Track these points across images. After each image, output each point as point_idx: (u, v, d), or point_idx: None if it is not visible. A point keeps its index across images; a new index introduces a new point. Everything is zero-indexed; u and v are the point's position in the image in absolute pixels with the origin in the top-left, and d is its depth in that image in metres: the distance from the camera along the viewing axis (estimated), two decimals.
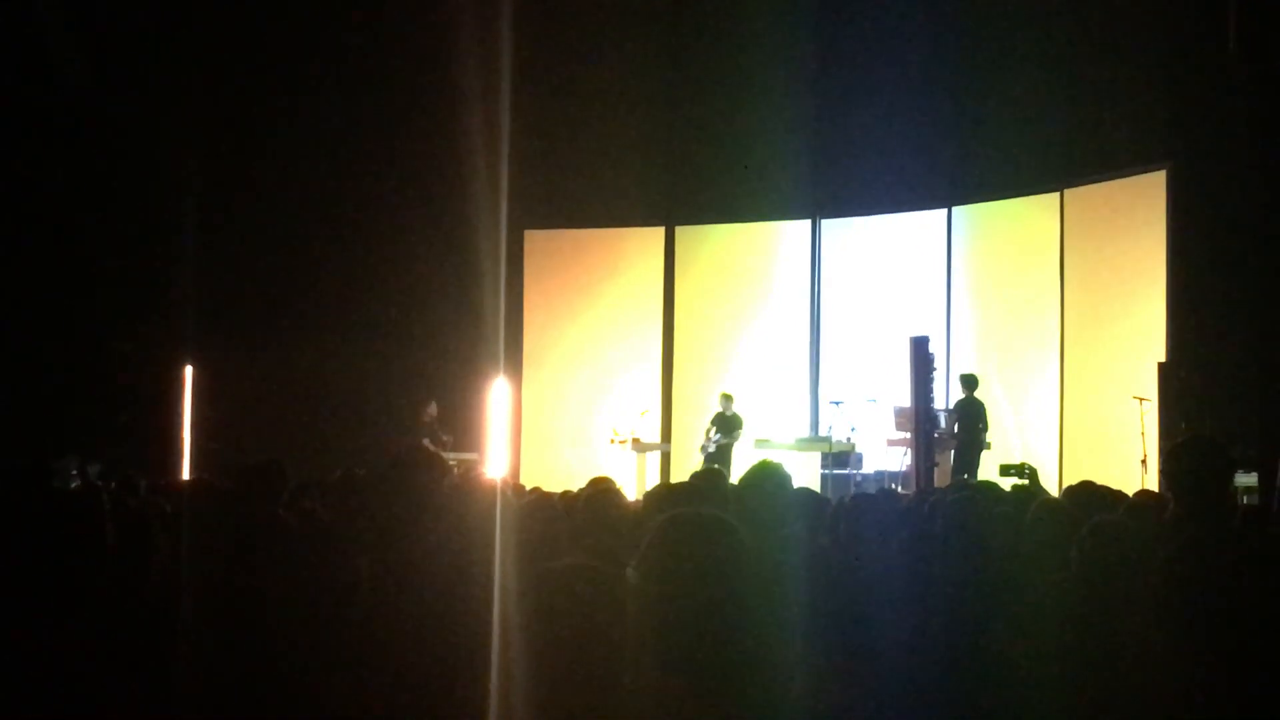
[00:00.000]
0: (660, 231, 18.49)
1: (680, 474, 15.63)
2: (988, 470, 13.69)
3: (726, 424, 16.24)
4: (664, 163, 17.77)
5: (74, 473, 11.38)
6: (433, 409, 16.45)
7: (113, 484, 8.45)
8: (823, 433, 16.38)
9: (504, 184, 14.18)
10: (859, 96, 16.82)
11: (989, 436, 14.71)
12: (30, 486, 5.34)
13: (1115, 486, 6.59)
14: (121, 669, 3.19)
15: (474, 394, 17.70)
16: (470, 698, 3.26)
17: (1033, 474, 10.64)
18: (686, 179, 18.00)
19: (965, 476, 13.55)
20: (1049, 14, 15.04)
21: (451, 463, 13.77)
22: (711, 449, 16.11)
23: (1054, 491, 11.91)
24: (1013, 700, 4.13)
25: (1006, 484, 9.79)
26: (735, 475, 14.93)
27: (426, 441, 14.77)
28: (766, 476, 4.85)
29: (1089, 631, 4.09)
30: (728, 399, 16.44)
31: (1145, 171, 14.43)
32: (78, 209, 15.82)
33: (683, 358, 18.28)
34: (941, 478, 14.15)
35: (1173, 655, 3.69)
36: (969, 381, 14.77)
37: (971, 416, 14.56)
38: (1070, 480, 11.01)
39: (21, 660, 2.88)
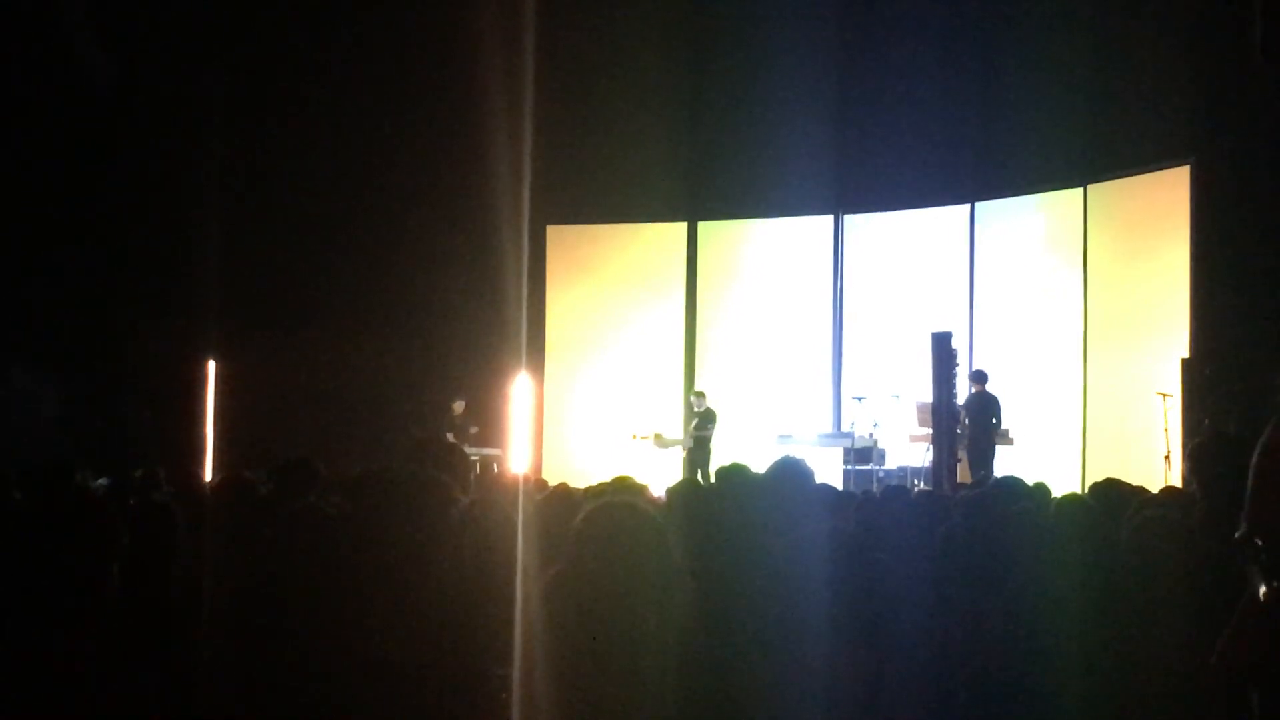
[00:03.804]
0: (683, 227, 18.48)
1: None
2: (1006, 465, 13.69)
3: (701, 419, 16.33)
4: (686, 158, 17.70)
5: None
6: (459, 406, 16.51)
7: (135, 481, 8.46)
8: (845, 429, 16.37)
9: (526, 179, 14.20)
10: (882, 91, 16.81)
11: (1011, 432, 14.66)
12: (53, 487, 5.37)
13: (1139, 483, 6.57)
14: (141, 665, 3.21)
15: (496, 389, 17.72)
16: (492, 699, 3.27)
17: None
18: (709, 174, 17.95)
19: (983, 472, 13.53)
20: (1073, 9, 14.97)
21: (473, 458, 13.86)
22: (690, 443, 16.24)
23: (1078, 487, 11.91)
24: (1033, 693, 4.12)
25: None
26: (713, 466, 15.19)
27: (451, 436, 14.86)
28: (789, 472, 4.85)
29: (1129, 625, 4.07)
30: (700, 396, 16.61)
31: (1169, 166, 14.36)
32: (102, 205, 15.90)
33: (705, 353, 18.27)
34: (964, 473, 14.12)
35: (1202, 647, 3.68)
36: (979, 377, 14.75)
37: (982, 411, 14.50)
38: (1093, 476, 11.01)
39: (41, 657, 2.90)
